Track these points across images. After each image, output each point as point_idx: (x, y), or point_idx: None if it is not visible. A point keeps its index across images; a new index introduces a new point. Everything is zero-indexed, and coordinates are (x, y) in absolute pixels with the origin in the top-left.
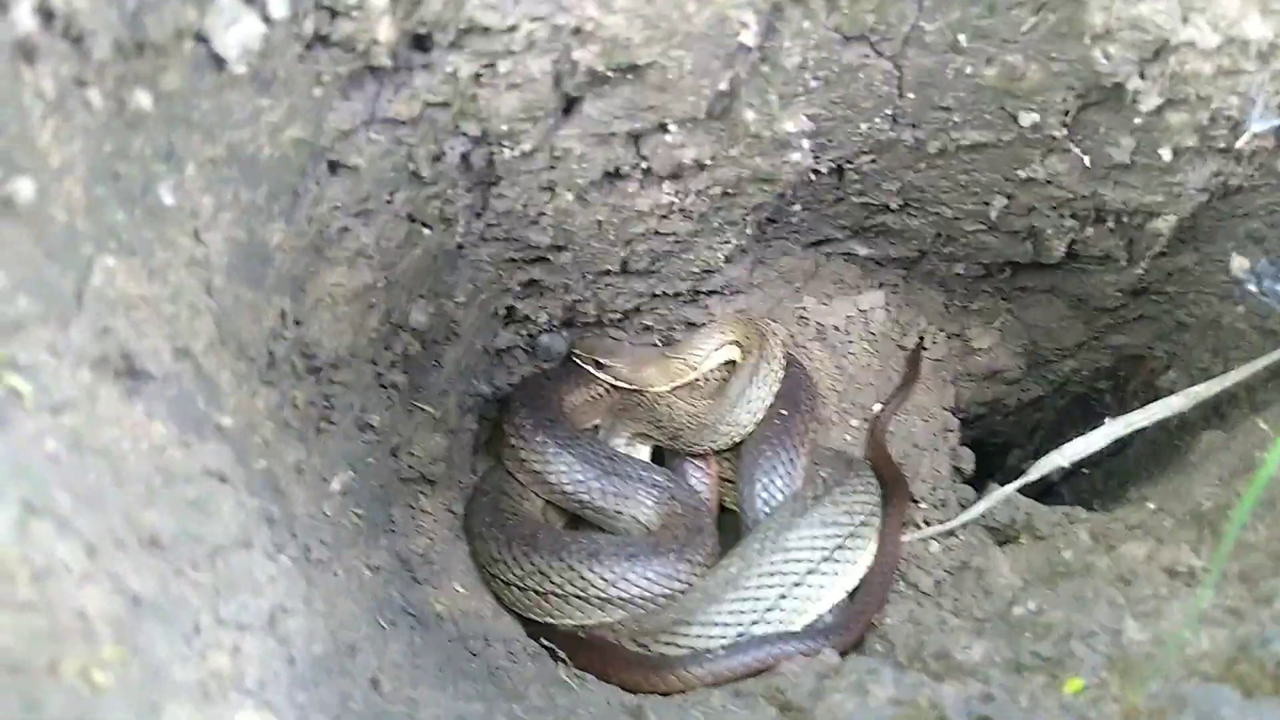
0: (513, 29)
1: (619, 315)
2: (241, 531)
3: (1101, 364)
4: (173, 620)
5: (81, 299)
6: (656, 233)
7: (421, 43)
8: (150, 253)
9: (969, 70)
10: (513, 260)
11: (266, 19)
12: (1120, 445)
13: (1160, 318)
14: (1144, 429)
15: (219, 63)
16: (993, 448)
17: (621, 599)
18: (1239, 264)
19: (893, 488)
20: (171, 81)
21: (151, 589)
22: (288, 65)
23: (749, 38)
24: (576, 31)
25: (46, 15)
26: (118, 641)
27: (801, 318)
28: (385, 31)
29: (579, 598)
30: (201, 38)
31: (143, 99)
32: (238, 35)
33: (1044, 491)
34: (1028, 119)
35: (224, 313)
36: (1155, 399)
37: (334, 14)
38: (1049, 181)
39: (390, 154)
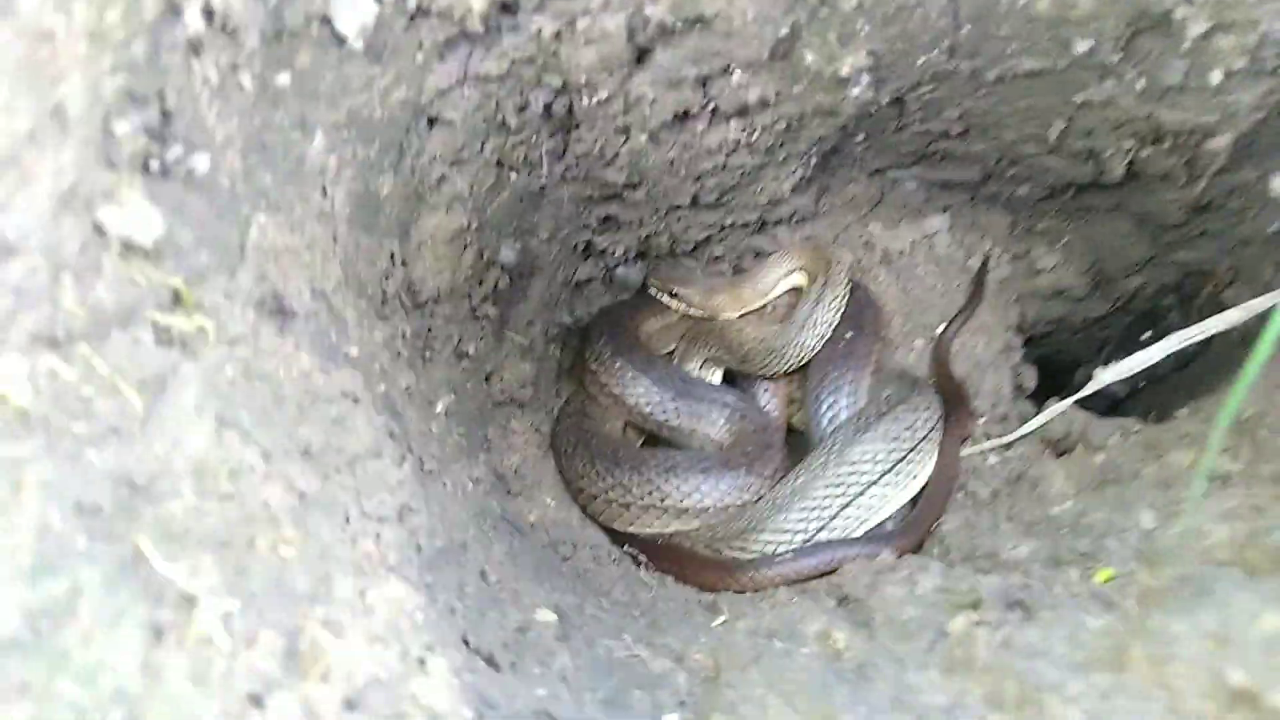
0: None
1: (690, 246)
2: (374, 443)
3: (1167, 280)
4: (330, 512)
5: (244, 251)
6: (724, 167)
7: (509, 8)
8: (291, 208)
9: (1022, 2)
10: (591, 198)
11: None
12: (1187, 360)
13: (1223, 233)
14: (1211, 344)
15: (340, 40)
16: (1061, 365)
17: (697, 509)
18: (1278, 184)
19: (954, 404)
20: (304, 61)
21: (314, 486)
22: (395, 37)
23: None
24: None
25: (209, 14)
26: (295, 526)
27: (867, 243)
28: (478, 1)
29: (658, 508)
30: (326, 20)
31: (282, 78)
32: (356, 15)
33: (1112, 407)
34: (1082, 45)
35: (347, 257)
36: (1221, 313)
37: None
38: (1105, 104)
39: (481, 107)
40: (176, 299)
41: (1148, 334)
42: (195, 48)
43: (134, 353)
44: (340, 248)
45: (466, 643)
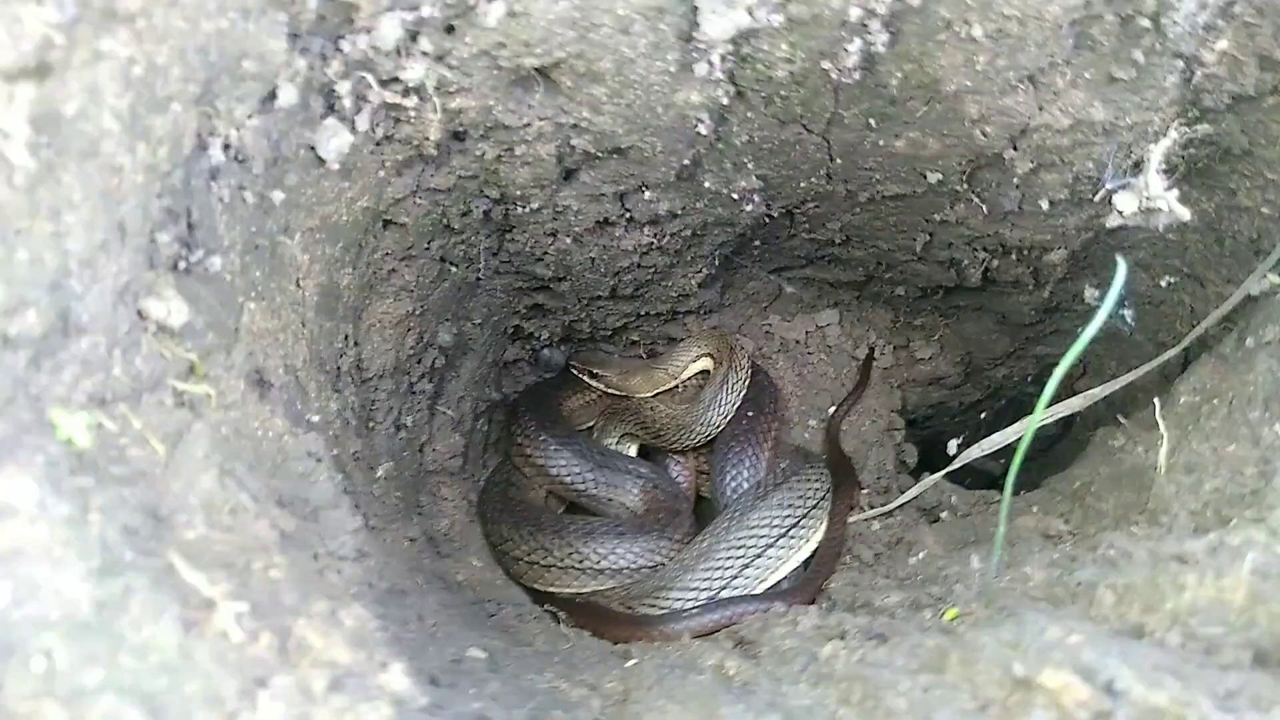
0: (527, 125)
1: (609, 332)
2: (333, 497)
3: (1028, 371)
4: (303, 547)
5: (238, 332)
6: (639, 265)
7: (459, 136)
8: (272, 298)
9: (881, 142)
10: (520, 289)
11: (354, 131)
12: (1051, 441)
13: (1072, 331)
14: (1070, 428)
15: (321, 163)
16: (941, 446)
17: (612, 570)
18: (1090, 294)
19: (843, 478)
20: (292, 180)
21: (290, 526)
22: (363, 159)
23: (704, 129)
24: (575, 126)
25: (227, 148)
26: (280, 554)
27: (766, 333)
28: (435, 133)
29: (576, 569)
30: (312, 148)
31: (276, 194)
32: (336, 144)
33: (990, 483)
34: (933, 177)
35: (312, 338)
36: (1066, 400)
37: (398, 121)
38: (959, 223)
39: (429, 213)
40: (191, 370)
41: (985, 415)
42: (215, 174)
43: (159, 412)
44: (307, 330)
45: (413, 666)
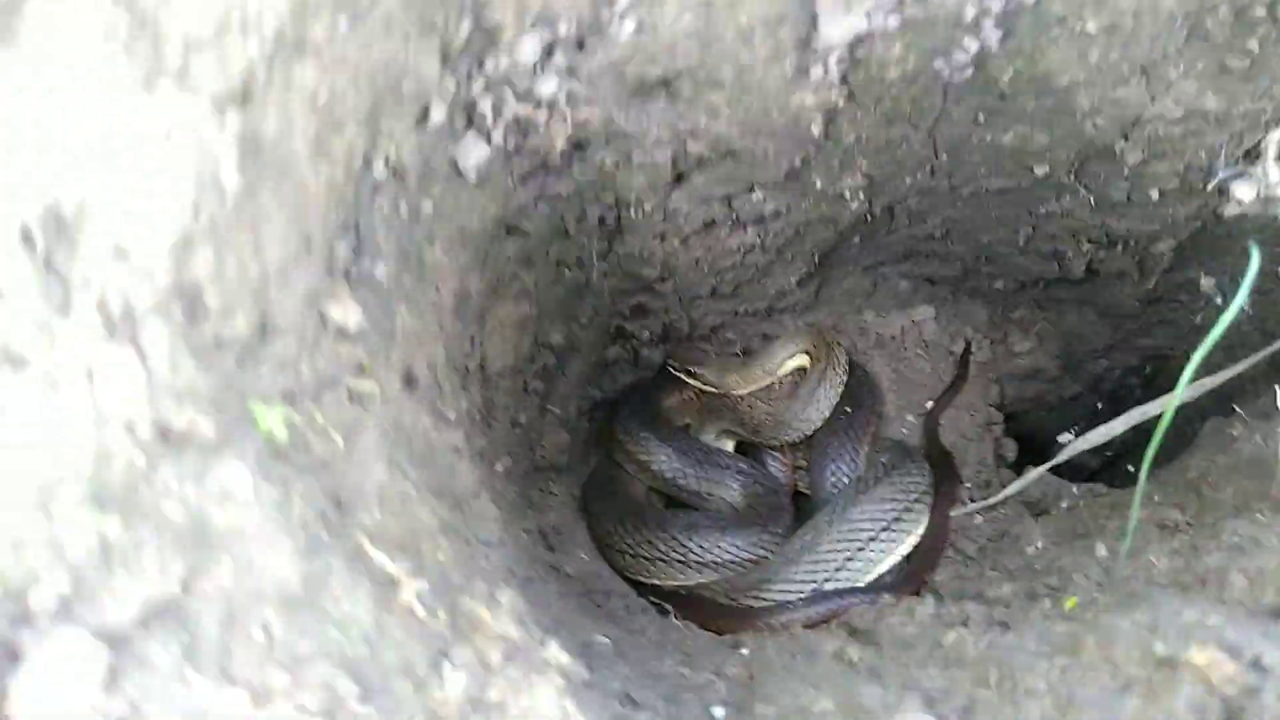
0: (646, 133)
1: (707, 330)
2: (475, 488)
3: (1130, 363)
4: (459, 534)
5: (394, 335)
6: (741, 265)
7: (581, 146)
8: (417, 302)
9: (989, 138)
10: (626, 290)
11: (490, 143)
12: (1150, 435)
13: (1176, 321)
14: (1175, 421)
15: (460, 175)
16: (1040, 440)
17: (716, 563)
18: (1207, 283)
19: (943, 472)
20: (437, 192)
21: (446, 515)
22: (495, 170)
23: (816, 130)
24: (691, 133)
25: (388, 164)
26: (444, 539)
27: (862, 329)
28: (560, 143)
29: (681, 562)
30: (454, 162)
31: (426, 205)
32: (474, 157)
33: (1088, 476)
34: (1040, 170)
35: (447, 340)
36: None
37: (528, 133)
38: (1064, 215)
39: (549, 219)
40: (361, 369)
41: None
42: (377, 189)
43: (339, 408)
44: (444, 332)
45: None
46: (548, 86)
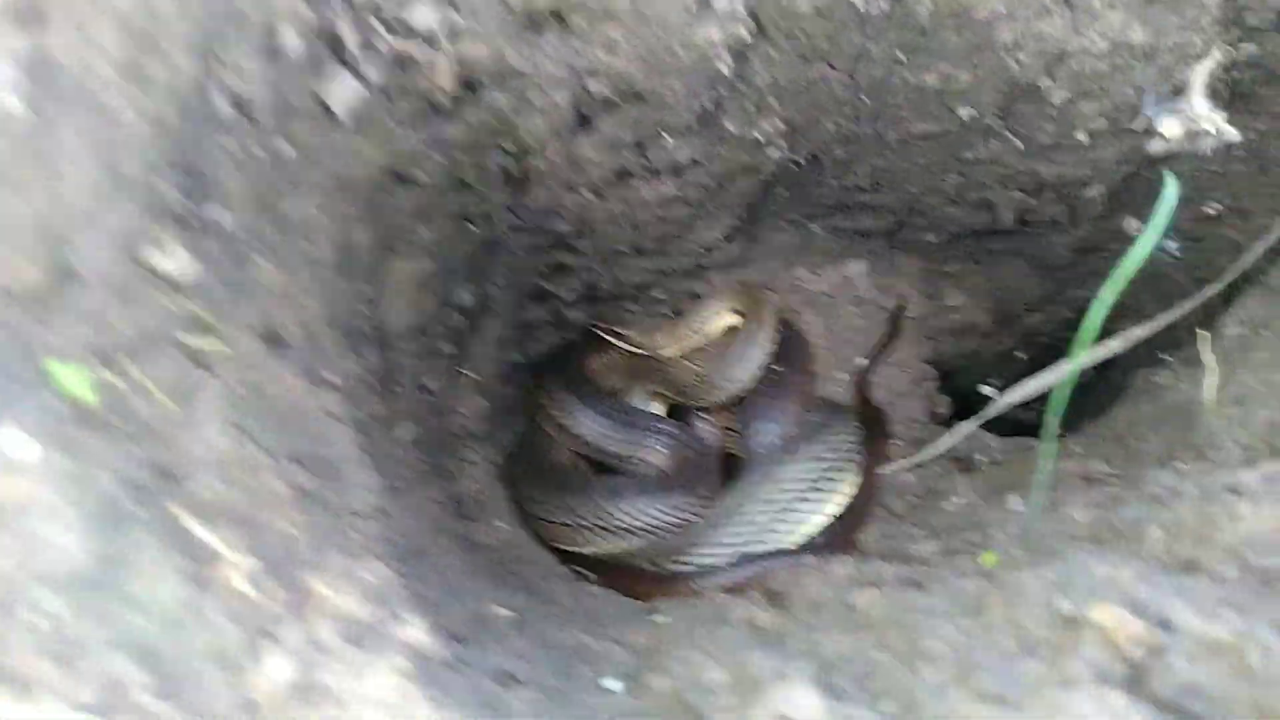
0: (541, 70)
1: (633, 289)
2: (352, 455)
3: (1063, 315)
4: (323, 504)
5: (250, 289)
6: (662, 219)
7: (471, 85)
8: (286, 255)
9: (911, 78)
10: (541, 247)
11: (363, 81)
12: (1087, 388)
13: (1108, 272)
14: (1106, 372)
15: (331, 115)
16: (975, 396)
17: (639, 528)
18: (1132, 224)
19: (874, 429)
20: (301, 133)
21: (308, 483)
22: (375, 112)
23: (725, 68)
24: (590, 71)
25: (234, 100)
26: (297, 511)
27: (794, 286)
28: (447, 82)
29: (603, 528)
30: (320, 100)
31: (285, 148)
32: (345, 96)
33: (1024, 432)
34: (965, 113)
35: (328, 298)
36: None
37: (408, 70)
38: (992, 161)
39: (445, 169)
40: (201, 325)
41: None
42: (221, 126)
43: (169, 368)
44: (323, 289)
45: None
46: (423, 17)
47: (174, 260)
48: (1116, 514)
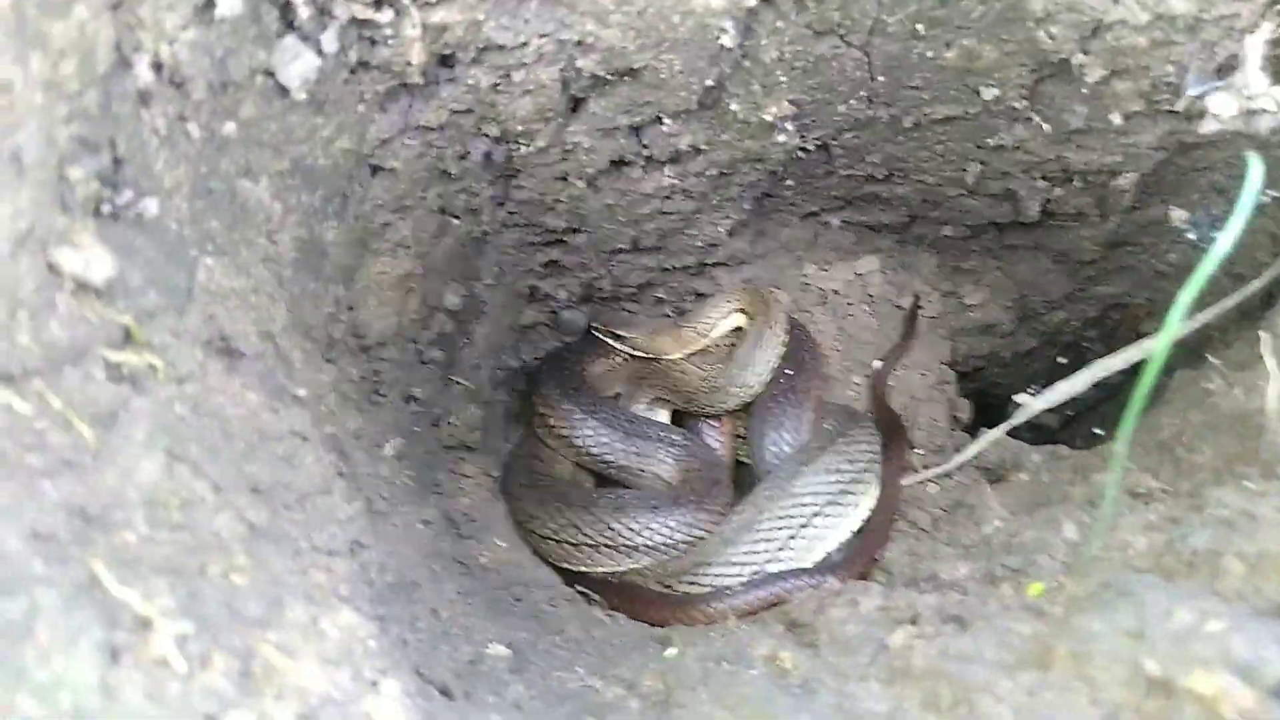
0: (524, 44)
1: (633, 290)
2: (323, 481)
3: (1089, 314)
4: (281, 543)
5: (191, 292)
6: (662, 212)
7: (447, 61)
8: (237, 252)
9: (930, 54)
10: (533, 244)
11: (320, 53)
12: (1114, 390)
13: (1138, 267)
14: (1135, 373)
15: (284, 92)
16: (995, 398)
17: (647, 546)
18: (1178, 215)
19: (892, 437)
20: (248, 111)
21: (264, 519)
22: (337, 89)
23: (728, 40)
24: (579, 44)
25: (158, 68)
26: (246, 555)
27: (803, 284)
28: (417, 55)
29: (608, 547)
30: (269, 73)
31: (228, 127)
32: (298, 68)
33: (1046, 438)
34: (989, 93)
35: (293, 300)
36: (1138, 341)
37: (373, 43)
38: (1017, 147)
39: (422, 156)
40: (127, 337)
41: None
42: (145, 98)
43: (86, 388)
44: (286, 291)
45: (420, 673)
46: None
47: (89, 259)
48: (1183, 541)
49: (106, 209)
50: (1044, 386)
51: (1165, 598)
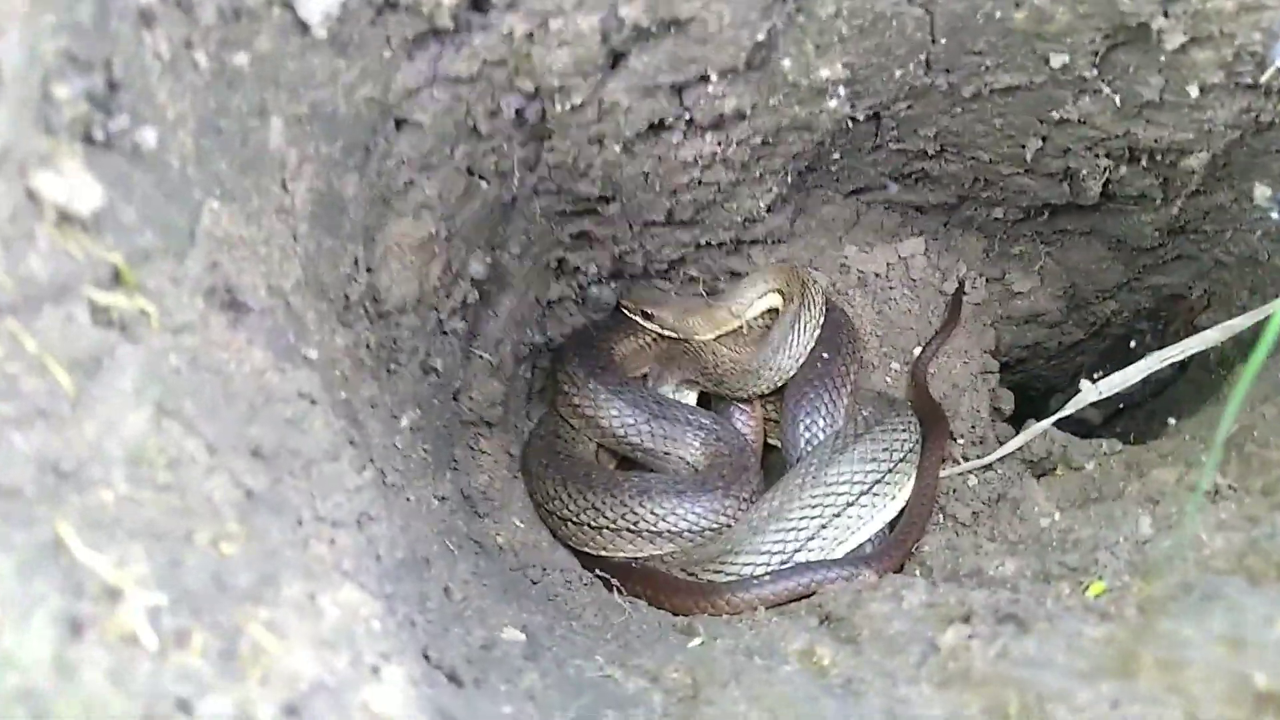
0: None
1: (665, 265)
2: (332, 447)
3: (1142, 305)
4: (281, 512)
5: (194, 236)
6: (700, 182)
7: (480, 4)
8: (247, 199)
9: (998, 14)
10: (563, 212)
11: None
12: (1162, 386)
13: (1198, 256)
14: (1186, 368)
15: (303, 28)
16: (1036, 392)
17: (671, 532)
18: (1262, 193)
19: (932, 426)
20: (263, 45)
21: (263, 485)
22: (361, 30)
23: None
24: None
25: None
26: (240, 523)
27: (843, 265)
28: None
29: (631, 531)
30: (288, 5)
31: (240, 59)
32: (319, 3)
33: (1089, 434)
34: (1058, 60)
35: (308, 257)
36: (1200, 333)
37: None
38: (1082, 121)
39: (451, 110)
40: (116, 277)
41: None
42: (147, 18)
43: (67, 330)
44: (301, 246)
45: (427, 657)
46: None
47: (77, 189)
48: (1271, 540)
49: (98, 135)
50: (1092, 382)
51: (1262, 603)
